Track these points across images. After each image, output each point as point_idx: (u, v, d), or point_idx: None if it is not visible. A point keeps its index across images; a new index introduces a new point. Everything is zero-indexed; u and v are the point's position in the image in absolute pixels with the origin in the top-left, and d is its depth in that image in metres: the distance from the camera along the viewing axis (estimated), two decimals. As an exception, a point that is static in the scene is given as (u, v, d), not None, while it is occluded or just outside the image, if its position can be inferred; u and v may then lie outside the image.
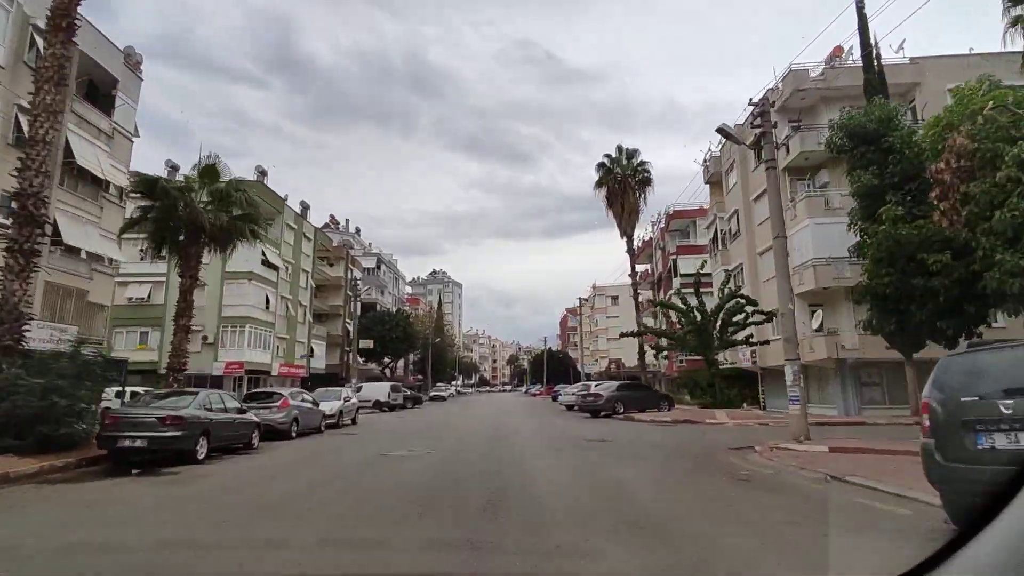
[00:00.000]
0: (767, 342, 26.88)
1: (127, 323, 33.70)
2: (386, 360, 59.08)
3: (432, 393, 57.83)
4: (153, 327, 34.09)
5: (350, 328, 50.56)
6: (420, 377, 72.86)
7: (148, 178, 17.78)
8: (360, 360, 53.89)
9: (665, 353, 36.86)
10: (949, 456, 4.91)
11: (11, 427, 10.35)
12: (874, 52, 21.92)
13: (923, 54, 25.74)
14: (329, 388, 25.81)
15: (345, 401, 22.56)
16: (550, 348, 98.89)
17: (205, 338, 34.02)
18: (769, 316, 25.85)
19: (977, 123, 12.05)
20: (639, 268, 43.14)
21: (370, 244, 73.23)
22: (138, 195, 17.96)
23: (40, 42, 16.68)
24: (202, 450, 11.29)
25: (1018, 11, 14.66)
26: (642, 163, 38.20)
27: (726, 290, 28.23)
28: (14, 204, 11.97)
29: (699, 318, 28.05)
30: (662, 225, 48.11)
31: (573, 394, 32.38)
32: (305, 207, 47.45)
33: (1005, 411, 4.61)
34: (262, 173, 41.07)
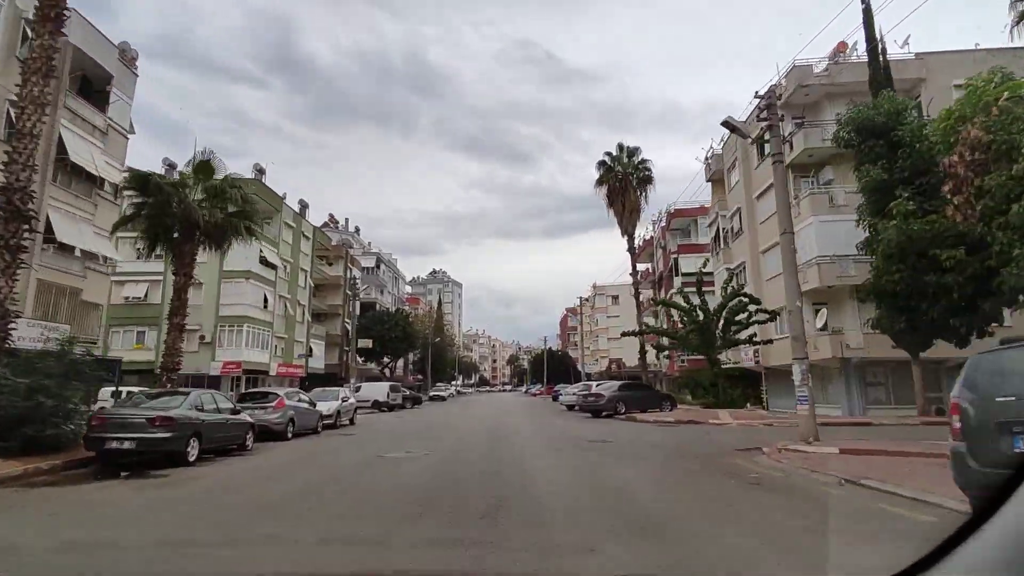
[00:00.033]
0: (770, 341, 26.57)
1: (124, 322, 33.39)
2: (385, 360, 58.75)
3: (432, 393, 57.51)
4: (150, 327, 33.72)
5: (349, 328, 50.23)
6: (420, 377, 72.55)
7: (141, 174, 17.44)
8: (359, 360, 53.56)
9: (667, 352, 36.53)
10: (983, 460, 4.58)
11: (-5, 428, 10.03)
12: (880, 47, 21.58)
13: (926, 50, 25.37)
14: (326, 388, 25.47)
15: (343, 401, 22.24)
16: (550, 348, 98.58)
17: (202, 337, 33.72)
18: (773, 315, 25.57)
19: (992, 115, 11.69)
20: (640, 267, 42.80)
21: (369, 243, 72.84)
22: (132, 192, 17.62)
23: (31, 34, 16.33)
24: (193, 452, 10.95)
25: (1026, 5, 14.30)
26: (643, 161, 37.89)
27: (729, 288, 27.93)
28: (0, 198, 11.64)
29: (702, 317, 27.74)
30: (663, 224, 47.81)
31: (574, 394, 32.05)
32: (304, 206, 47.13)
33: None
34: (260, 171, 40.75)
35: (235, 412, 13.26)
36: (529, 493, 7.63)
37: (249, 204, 18.64)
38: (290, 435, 16.22)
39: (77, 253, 21.06)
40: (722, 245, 35.01)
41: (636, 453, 12.10)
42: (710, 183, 37.97)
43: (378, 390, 34.91)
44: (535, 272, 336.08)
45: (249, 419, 13.78)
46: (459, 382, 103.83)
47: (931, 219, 14.78)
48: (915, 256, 15.21)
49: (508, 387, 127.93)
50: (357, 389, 34.11)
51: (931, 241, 14.75)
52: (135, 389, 17.76)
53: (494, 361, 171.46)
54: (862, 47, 23.72)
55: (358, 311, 52.26)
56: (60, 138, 19.65)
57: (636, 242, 39.19)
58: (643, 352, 36.60)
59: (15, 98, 12.44)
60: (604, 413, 25.15)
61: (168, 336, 16.87)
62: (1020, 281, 11.83)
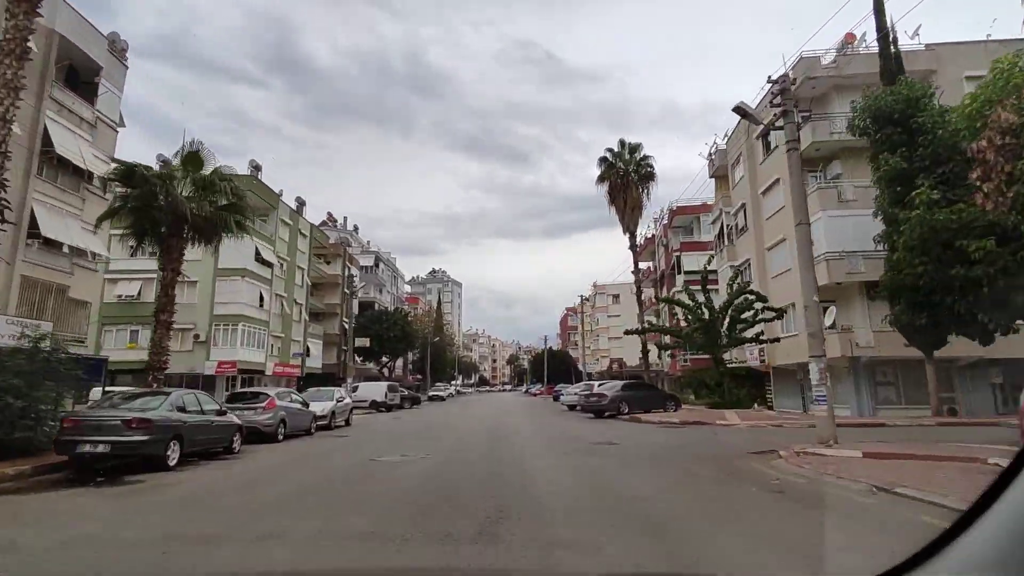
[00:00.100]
0: (777, 340, 25.94)
1: (117, 321, 32.69)
2: (384, 360, 58.08)
3: (431, 393, 56.89)
4: (144, 325, 32.82)
5: (347, 327, 49.56)
6: (419, 377, 71.92)
7: (126, 165, 16.77)
8: (357, 359, 52.86)
9: (669, 352, 35.91)
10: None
11: (-41, 431, 9.38)
12: (891, 36, 20.92)
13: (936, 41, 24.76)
14: (321, 388, 24.83)
15: (338, 401, 21.63)
16: (550, 347, 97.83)
17: (197, 337, 33.06)
18: (779, 313, 24.94)
19: (1024, 96, 11.02)
20: (641, 266, 42.15)
21: (368, 242, 72.15)
22: (118, 184, 16.95)
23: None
24: (173, 455, 10.29)
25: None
26: (645, 157, 37.23)
27: (735, 286, 27.30)
28: (-30, 188, 10.99)
29: (707, 315, 27.10)
30: (665, 221, 47.19)
31: (575, 394, 31.43)
32: (301, 203, 46.42)
33: None
34: (256, 168, 40.06)
35: (221, 413, 12.59)
36: (530, 494, 7.17)
37: (240, 198, 17.98)
38: (281, 437, 15.59)
39: (64, 249, 20.37)
40: (726, 242, 34.38)
41: (646, 457, 11.42)
42: (713, 179, 37.36)
43: (376, 390, 34.27)
44: (535, 272, 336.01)
45: (236, 420, 13.13)
46: (459, 382, 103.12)
47: (957, 208, 14.04)
48: (940, 247, 14.45)
49: (508, 387, 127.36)
50: (354, 389, 33.45)
51: (957, 231, 14.00)
52: (127, 389, 17.11)
53: (494, 361, 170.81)
54: (870, 38, 23.11)
55: (356, 310, 51.57)
56: (45, 130, 18.99)
57: (638, 240, 38.56)
58: (645, 351, 35.99)
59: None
60: (607, 414, 24.54)
61: (155, 334, 16.22)
62: (1056, 273, 11.16)
